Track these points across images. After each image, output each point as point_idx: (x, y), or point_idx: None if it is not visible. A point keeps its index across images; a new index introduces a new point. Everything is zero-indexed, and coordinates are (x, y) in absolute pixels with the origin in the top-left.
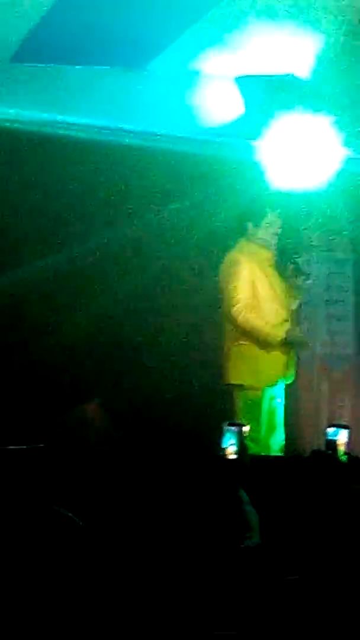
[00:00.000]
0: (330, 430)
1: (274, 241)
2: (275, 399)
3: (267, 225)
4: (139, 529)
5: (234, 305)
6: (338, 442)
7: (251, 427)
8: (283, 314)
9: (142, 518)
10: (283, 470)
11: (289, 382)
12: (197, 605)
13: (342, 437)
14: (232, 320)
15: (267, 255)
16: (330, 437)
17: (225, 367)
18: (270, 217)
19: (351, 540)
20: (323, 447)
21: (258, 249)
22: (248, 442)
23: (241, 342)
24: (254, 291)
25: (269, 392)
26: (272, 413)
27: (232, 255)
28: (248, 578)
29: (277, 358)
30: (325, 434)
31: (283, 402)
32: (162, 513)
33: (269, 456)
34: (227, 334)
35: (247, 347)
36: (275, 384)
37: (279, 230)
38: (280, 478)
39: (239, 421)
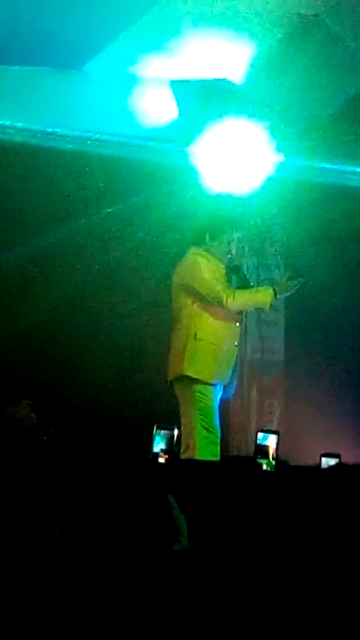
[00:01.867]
0: (260, 435)
1: (225, 259)
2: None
3: (225, 244)
4: (64, 531)
5: (219, 292)
6: (267, 448)
7: (204, 418)
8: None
9: (67, 520)
10: (211, 474)
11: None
12: (125, 609)
13: (271, 443)
14: (223, 304)
15: (221, 267)
16: (259, 443)
17: (176, 362)
18: (227, 236)
19: (277, 545)
20: (252, 452)
21: (213, 259)
22: (205, 435)
23: (198, 338)
24: None
25: (216, 391)
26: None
27: (193, 256)
28: (176, 583)
29: (229, 356)
30: (254, 439)
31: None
32: (87, 516)
33: (198, 460)
34: (182, 330)
35: (204, 344)
36: (225, 380)
37: (234, 252)
38: (209, 482)
39: (192, 411)
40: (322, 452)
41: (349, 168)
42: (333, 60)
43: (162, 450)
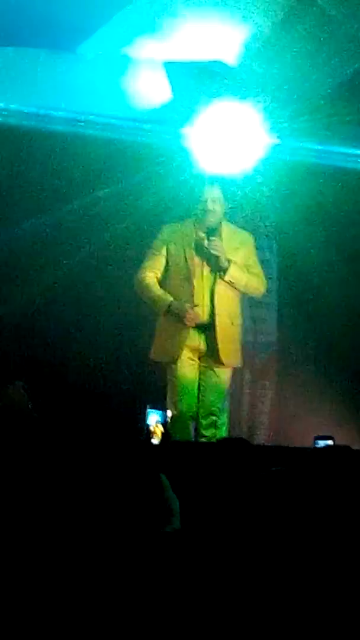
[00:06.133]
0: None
1: (205, 216)
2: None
3: (202, 202)
4: (56, 513)
5: (139, 270)
6: None
7: (183, 404)
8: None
9: (60, 502)
10: (204, 455)
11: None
12: (115, 590)
13: None
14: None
15: (188, 227)
16: None
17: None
18: (204, 193)
19: (270, 525)
20: (244, 433)
21: (184, 223)
22: (185, 421)
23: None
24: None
25: (189, 374)
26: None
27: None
28: (168, 565)
29: (180, 333)
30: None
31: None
32: (80, 498)
33: (190, 441)
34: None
35: (165, 323)
36: (178, 358)
37: (212, 208)
38: (201, 464)
39: (172, 397)
40: (316, 433)
41: (343, 149)
42: (327, 41)
43: (155, 430)
